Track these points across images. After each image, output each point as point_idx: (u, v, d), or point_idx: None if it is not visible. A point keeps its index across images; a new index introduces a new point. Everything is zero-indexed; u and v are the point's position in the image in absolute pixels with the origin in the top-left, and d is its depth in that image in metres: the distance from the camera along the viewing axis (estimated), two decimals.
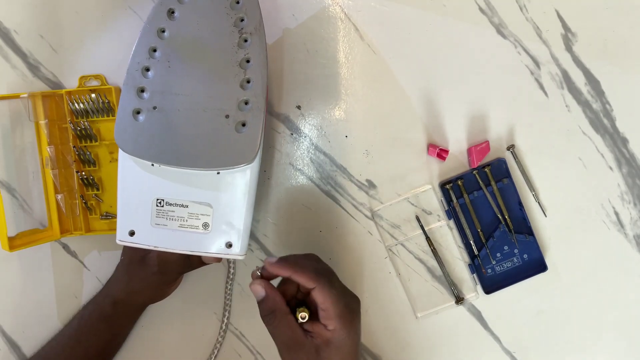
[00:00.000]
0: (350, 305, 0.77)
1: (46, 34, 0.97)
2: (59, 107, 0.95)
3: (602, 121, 0.95)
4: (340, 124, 0.97)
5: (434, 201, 0.97)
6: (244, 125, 0.75)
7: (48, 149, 0.94)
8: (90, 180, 0.95)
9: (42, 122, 0.93)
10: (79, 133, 0.94)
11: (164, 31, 0.78)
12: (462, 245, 0.97)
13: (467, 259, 0.97)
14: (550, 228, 0.96)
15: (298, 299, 0.81)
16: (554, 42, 0.94)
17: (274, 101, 0.97)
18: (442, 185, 0.95)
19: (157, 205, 0.80)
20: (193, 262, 0.91)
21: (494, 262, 0.96)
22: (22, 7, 0.97)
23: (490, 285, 0.96)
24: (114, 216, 0.96)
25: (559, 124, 0.95)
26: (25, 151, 0.98)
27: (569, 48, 0.94)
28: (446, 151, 0.93)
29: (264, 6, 0.80)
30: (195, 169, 0.77)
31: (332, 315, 0.73)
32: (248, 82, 0.77)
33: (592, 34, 0.94)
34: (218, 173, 0.79)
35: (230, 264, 0.98)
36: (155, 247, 0.81)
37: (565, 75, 0.94)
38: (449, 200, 0.95)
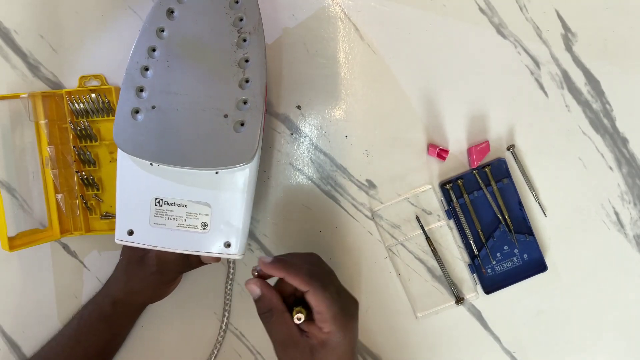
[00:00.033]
0: (346, 308, 0.76)
1: (46, 34, 0.97)
2: (59, 107, 0.95)
3: (602, 121, 0.94)
4: (340, 124, 0.97)
5: (434, 201, 0.97)
6: (242, 124, 0.75)
7: (48, 149, 0.94)
8: (90, 180, 0.95)
9: (42, 122, 0.93)
10: (79, 133, 0.94)
11: (163, 31, 0.78)
12: (462, 245, 0.97)
13: (467, 259, 0.97)
14: (550, 228, 0.96)
15: (297, 296, 0.80)
16: (554, 42, 0.94)
17: (274, 101, 0.97)
18: (442, 185, 0.95)
19: (155, 205, 0.80)
20: (192, 261, 0.91)
21: (494, 262, 0.96)
22: (22, 7, 0.97)
23: (490, 285, 0.96)
24: (114, 216, 0.96)
25: (559, 124, 0.95)
26: (25, 151, 0.98)
27: (569, 48, 0.94)
28: (446, 151, 0.93)
29: (264, 6, 0.80)
30: (193, 169, 0.78)
31: (326, 319, 0.73)
32: (247, 81, 0.77)
33: (592, 34, 0.94)
34: (217, 172, 0.79)
35: (230, 263, 0.98)
36: (153, 246, 0.80)
37: (565, 75, 0.94)
38: (449, 200, 0.95)
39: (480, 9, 0.94)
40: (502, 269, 0.96)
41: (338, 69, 0.96)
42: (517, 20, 0.94)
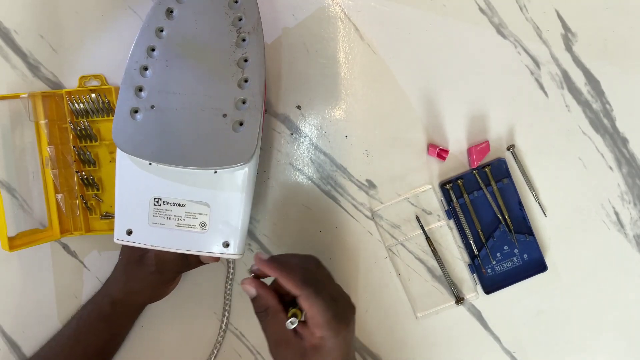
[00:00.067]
0: (340, 314, 0.75)
1: (46, 34, 0.97)
2: (59, 107, 0.95)
3: (602, 121, 0.94)
4: (340, 124, 0.97)
5: (434, 201, 0.96)
6: (241, 124, 0.75)
7: (48, 149, 0.94)
8: (90, 180, 0.95)
9: (42, 122, 0.93)
10: (79, 133, 0.94)
11: (162, 30, 0.78)
12: (462, 245, 0.97)
13: (467, 259, 0.97)
14: (550, 228, 0.96)
15: (294, 295, 0.80)
16: (554, 42, 0.94)
17: (274, 101, 0.97)
18: (442, 185, 0.95)
19: (154, 204, 0.80)
20: (191, 261, 0.91)
21: (494, 262, 0.96)
22: (22, 7, 0.97)
23: (490, 285, 0.96)
24: (113, 216, 0.96)
25: (559, 124, 0.95)
26: (25, 151, 0.98)
27: (569, 48, 0.94)
28: (446, 151, 0.93)
29: (263, 5, 0.81)
30: (192, 168, 0.78)
31: (318, 324, 0.72)
32: (246, 81, 0.77)
33: (592, 34, 0.94)
34: (215, 172, 0.79)
35: (229, 263, 0.98)
36: (152, 246, 0.81)
37: (565, 75, 0.94)
38: (449, 200, 0.95)
39: (480, 9, 0.94)
40: (502, 269, 0.96)
41: (338, 69, 0.96)
42: (517, 20, 0.94)
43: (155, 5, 0.78)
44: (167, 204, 0.80)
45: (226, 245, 0.81)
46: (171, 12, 0.78)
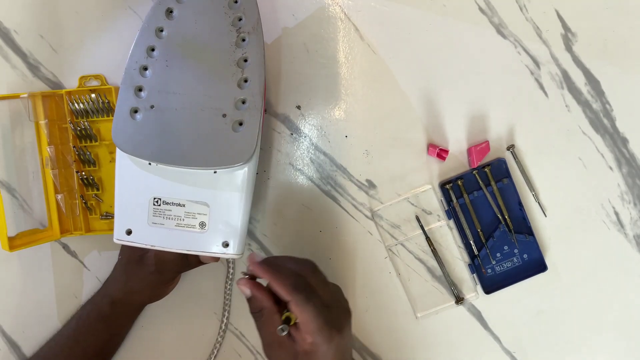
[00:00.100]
0: (332, 320, 0.74)
1: (46, 34, 0.97)
2: (59, 107, 0.95)
3: (602, 121, 0.94)
4: (340, 124, 0.97)
5: (434, 201, 0.96)
6: (241, 124, 0.76)
7: (48, 149, 0.94)
8: (90, 180, 0.95)
9: (42, 122, 0.93)
10: (79, 133, 0.94)
11: (162, 30, 0.78)
12: (462, 245, 0.97)
13: (467, 259, 0.97)
14: (550, 228, 0.96)
15: None
16: (554, 42, 0.94)
17: (274, 101, 0.97)
18: (442, 185, 0.95)
19: (154, 204, 0.80)
20: (191, 261, 0.91)
21: (494, 262, 0.96)
22: (22, 7, 0.97)
23: (490, 285, 0.96)
24: (113, 216, 0.96)
25: (559, 124, 0.95)
26: (25, 151, 0.98)
27: (569, 48, 0.94)
28: (446, 151, 0.93)
29: (263, 5, 0.81)
30: (192, 168, 0.78)
31: (309, 330, 0.72)
32: (245, 81, 0.77)
33: (592, 34, 0.94)
34: (215, 172, 0.79)
35: (229, 263, 0.98)
36: (152, 246, 0.81)
37: (565, 75, 0.94)
38: (449, 200, 0.95)
39: (480, 9, 0.94)
40: (502, 269, 0.96)
41: (338, 69, 0.96)
42: (517, 20, 0.94)
43: (155, 5, 0.78)
44: (167, 203, 0.80)
45: (226, 245, 0.81)
46: (171, 12, 0.78)
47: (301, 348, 0.73)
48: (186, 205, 0.80)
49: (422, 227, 0.96)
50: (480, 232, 0.95)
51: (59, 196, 0.95)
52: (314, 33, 0.96)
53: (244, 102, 0.76)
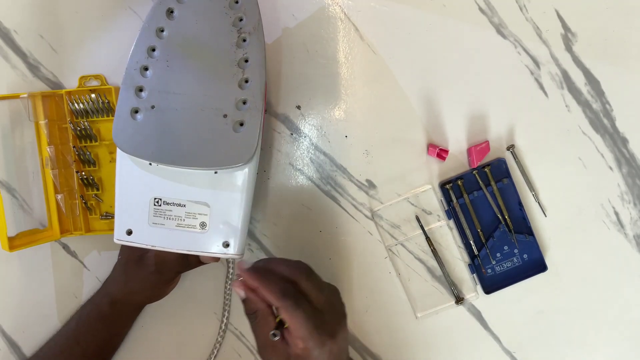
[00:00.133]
0: (324, 325, 0.74)
1: (46, 34, 0.97)
2: (59, 107, 0.95)
3: (602, 121, 0.94)
4: (340, 124, 0.97)
5: (434, 201, 0.97)
6: (241, 124, 0.75)
7: (48, 149, 0.94)
8: (90, 180, 0.95)
9: (42, 122, 0.93)
10: (79, 133, 0.94)
11: (163, 30, 0.78)
12: (462, 245, 0.97)
13: (467, 259, 0.97)
14: (550, 228, 0.96)
15: None
16: (554, 42, 0.94)
17: (274, 101, 0.97)
18: (442, 185, 0.95)
19: (154, 205, 0.80)
20: (191, 261, 0.91)
21: (494, 262, 0.96)
22: (22, 7, 0.97)
23: (490, 285, 0.96)
24: (113, 216, 0.96)
25: (559, 124, 0.95)
26: (25, 151, 0.98)
27: (569, 48, 0.94)
28: (446, 151, 0.93)
29: (264, 6, 0.80)
30: (192, 168, 0.78)
31: (300, 336, 0.71)
32: (246, 81, 0.77)
33: (592, 34, 0.94)
34: (216, 172, 0.79)
35: (229, 263, 0.98)
36: (152, 246, 0.81)
37: (565, 75, 0.94)
38: (449, 200, 0.95)
39: (480, 9, 0.94)
40: (502, 269, 0.96)
41: (338, 69, 0.96)
42: (517, 20, 0.94)
43: (155, 6, 0.78)
44: (168, 204, 0.80)
45: (226, 245, 0.81)
46: (172, 12, 0.78)
47: (294, 352, 0.73)
48: (187, 205, 0.80)
49: (422, 227, 0.96)
50: (480, 232, 0.95)
51: (59, 196, 0.95)
52: (314, 33, 0.96)
53: (244, 103, 0.76)
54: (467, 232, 0.95)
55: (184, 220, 0.80)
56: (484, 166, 0.94)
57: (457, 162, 0.96)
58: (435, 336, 0.98)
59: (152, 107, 0.76)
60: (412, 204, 0.97)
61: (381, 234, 0.97)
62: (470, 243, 0.95)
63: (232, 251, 0.81)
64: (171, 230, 0.80)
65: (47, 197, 0.96)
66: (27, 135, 0.98)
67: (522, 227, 0.95)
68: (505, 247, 0.96)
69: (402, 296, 0.98)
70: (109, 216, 0.97)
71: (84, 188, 0.96)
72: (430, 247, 0.96)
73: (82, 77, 0.96)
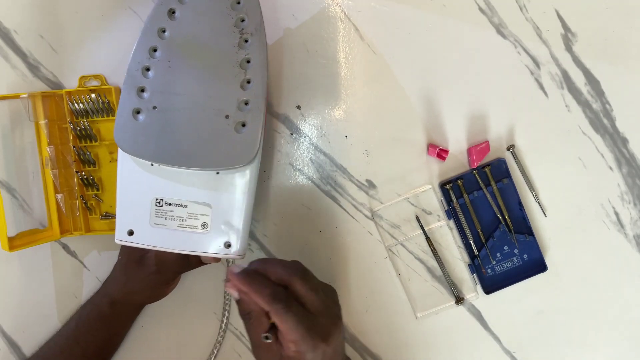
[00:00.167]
0: (316, 328, 0.73)
1: (46, 34, 0.97)
2: (59, 107, 0.95)
3: (602, 121, 0.95)
4: (340, 124, 0.97)
5: (434, 201, 0.97)
6: (243, 125, 0.75)
7: (48, 149, 0.94)
8: (90, 180, 0.95)
9: (42, 122, 0.93)
10: (79, 133, 0.94)
11: (164, 31, 0.78)
12: (462, 245, 0.97)
13: (467, 259, 0.97)
14: (550, 228, 0.96)
15: None
16: (554, 42, 0.94)
17: (274, 101, 0.97)
18: (442, 185, 0.95)
19: (156, 205, 0.80)
20: (192, 262, 0.91)
21: (494, 262, 0.96)
22: (22, 7, 0.97)
23: (490, 285, 0.96)
24: (113, 216, 0.96)
25: (559, 124, 0.95)
26: (25, 151, 0.98)
27: (569, 48, 0.94)
28: (446, 151, 0.93)
29: (264, 6, 0.80)
30: (194, 169, 0.77)
31: (292, 340, 0.71)
32: (248, 82, 0.77)
33: (592, 34, 0.94)
34: (217, 173, 0.79)
35: (229, 263, 0.98)
36: (154, 246, 0.80)
37: (565, 75, 0.94)
38: (449, 200, 0.95)
39: (480, 9, 0.94)
40: (502, 269, 0.96)
41: (338, 69, 0.96)
42: (517, 20, 0.94)
43: (157, 6, 0.78)
44: (169, 204, 0.80)
45: (228, 245, 0.81)
46: (173, 12, 0.78)
47: (286, 354, 0.73)
48: (188, 206, 0.80)
49: (422, 227, 0.96)
50: (480, 232, 0.95)
51: (59, 196, 0.95)
52: (314, 33, 0.96)
53: (246, 104, 0.76)
54: (467, 232, 0.95)
55: (185, 220, 0.80)
56: (484, 166, 0.94)
57: (457, 162, 0.96)
58: (435, 336, 0.98)
59: (154, 107, 0.75)
60: (412, 204, 0.97)
61: (381, 234, 0.97)
62: (470, 243, 0.95)
63: (233, 252, 0.81)
64: (173, 231, 0.80)
65: (47, 197, 0.96)
66: (27, 135, 0.98)
67: (522, 227, 0.95)
68: (505, 247, 0.96)
69: (402, 296, 0.98)
70: (109, 216, 0.97)
71: (84, 188, 0.96)
72: (430, 247, 0.96)
73: (82, 77, 0.96)
